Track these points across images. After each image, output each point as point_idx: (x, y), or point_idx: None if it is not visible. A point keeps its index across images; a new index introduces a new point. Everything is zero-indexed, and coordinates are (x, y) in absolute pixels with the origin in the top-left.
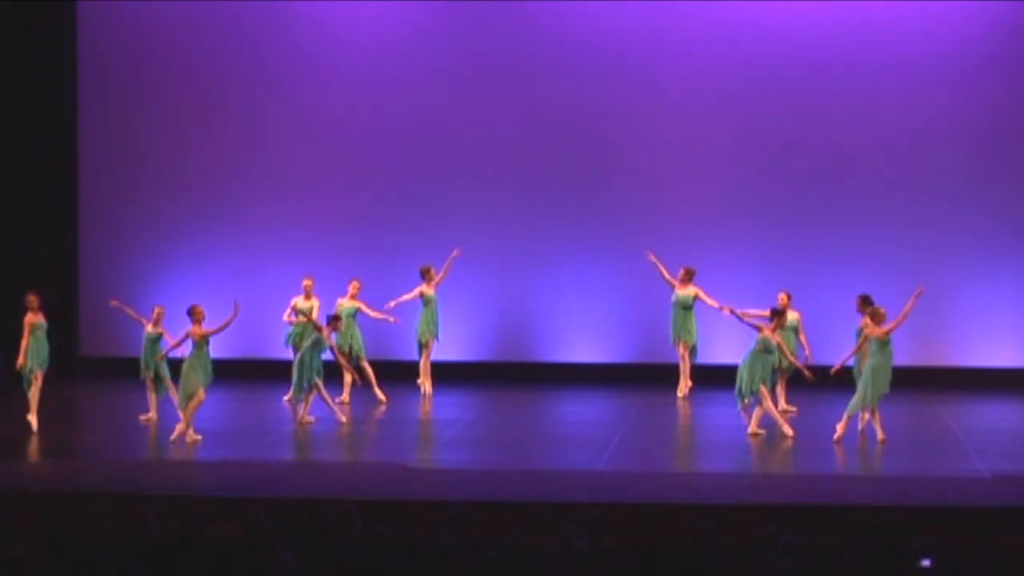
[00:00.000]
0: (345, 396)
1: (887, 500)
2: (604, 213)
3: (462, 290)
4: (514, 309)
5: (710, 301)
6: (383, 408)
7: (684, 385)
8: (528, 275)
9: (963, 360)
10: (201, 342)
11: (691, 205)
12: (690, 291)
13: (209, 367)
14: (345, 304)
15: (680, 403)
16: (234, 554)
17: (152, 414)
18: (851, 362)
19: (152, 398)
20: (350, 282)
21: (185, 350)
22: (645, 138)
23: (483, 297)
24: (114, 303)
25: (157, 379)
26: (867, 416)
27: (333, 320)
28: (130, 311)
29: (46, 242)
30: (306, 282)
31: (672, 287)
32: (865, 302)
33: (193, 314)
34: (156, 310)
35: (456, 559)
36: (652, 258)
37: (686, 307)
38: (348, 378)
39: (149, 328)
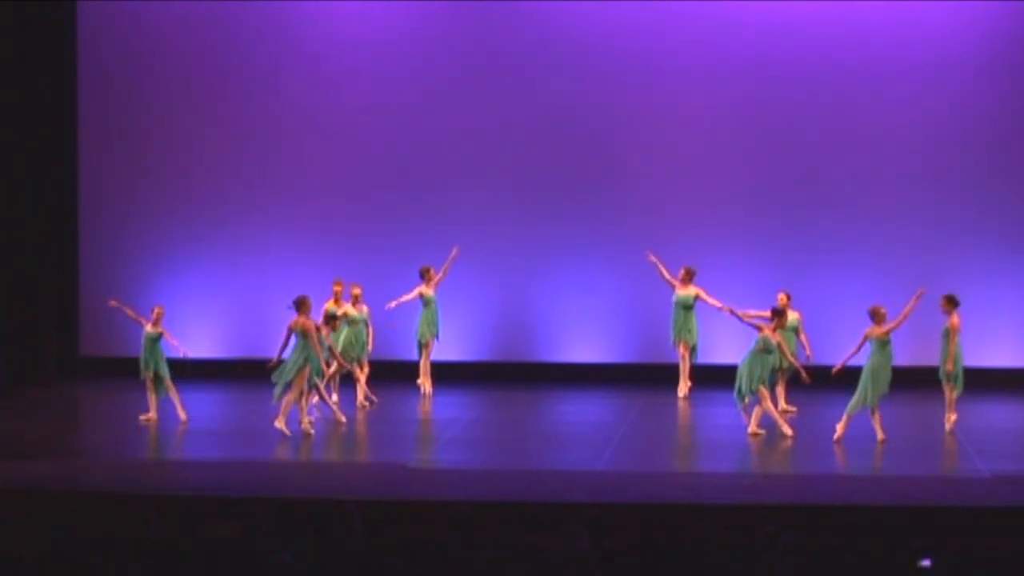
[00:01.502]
0: (360, 397)
1: (887, 500)
2: (604, 213)
3: (462, 290)
4: (514, 309)
5: (711, 301)
6: (380, 408)
7: (684, 385)
8: (528, 275)
9: (963, 360)
10: (308, 335)
11: (691, 205)
12: (690, 291)
13: (321, 359)
14: (352, 312)
15: (680, 403)
16: (234, 554)
17: (152, 414)
18: (852, 362)
19: (152, 398)
20: (352, 289)
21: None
22: (645, 138)
23: (483, 297)
24: (113, 303)
25: (157, 379)
26: (953, 417)
27: (331, 320)
28: (129, 311)
29: (46, 242)
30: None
31: (672, 287)
32: (951, 302)
33: (302, 306)
34: (156, 310)
35: (456, 559)
36: (652, 258)
37: (687, 307)
38: (360, 376)
39: (149, 328)
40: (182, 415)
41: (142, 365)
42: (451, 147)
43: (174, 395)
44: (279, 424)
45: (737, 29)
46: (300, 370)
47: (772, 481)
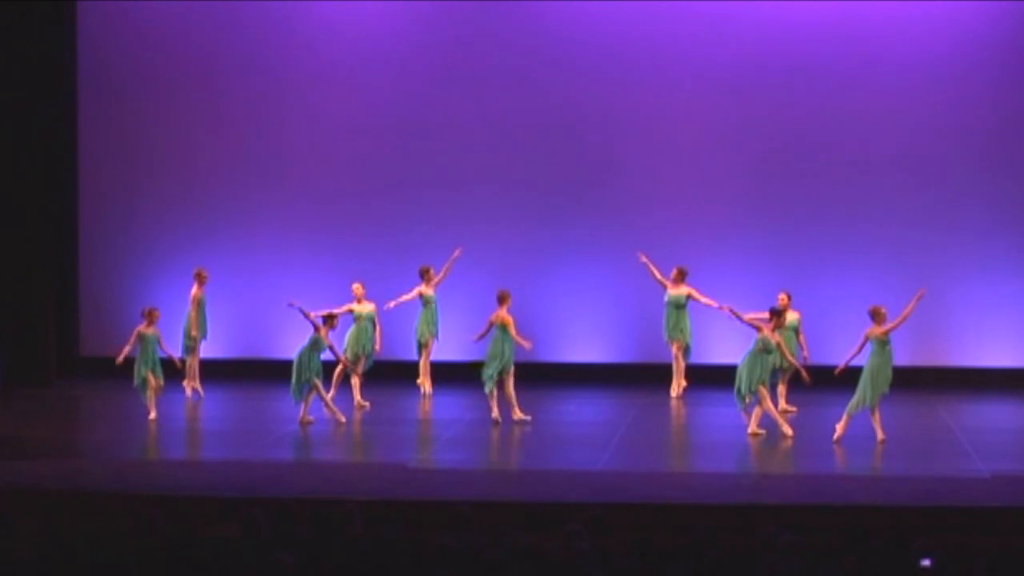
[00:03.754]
0: (358, 397)
1: (887, 500)
2: (604, 213)
3: (462, 290)
4: (514, 309)
5: (704, 300)
6: (380, 408)
7: (678, 384)
8: (528, 275)
9: (963, 360)
10: (508, 327)
11: (691, 205)
12: (682, 291)
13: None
14: (361, 310)
15: (679, 403)
16: (234, 554)
17: (154, 414)
18: (854, 362)
19: (152, 397)
20: (356, 287)
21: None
22: (644, 138)
23: (483, 297)
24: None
25: (147, 377)
26: None
27: (330, 319)
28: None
29: (46, 242)
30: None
31: (664, 287)
32: None
33: (504, 299)
34: (152, 311)
35: (456, 559)
36: (643, 259)
37: (679, 306)
38: (354, 380)
39: (147, 330)
40: (152, 413)
41: (139, 368)
42: (451, 147)
43: (153, 392)
44: (518, 415)
45: (737, 29)
46: (504, 361)
47: (772, 481)
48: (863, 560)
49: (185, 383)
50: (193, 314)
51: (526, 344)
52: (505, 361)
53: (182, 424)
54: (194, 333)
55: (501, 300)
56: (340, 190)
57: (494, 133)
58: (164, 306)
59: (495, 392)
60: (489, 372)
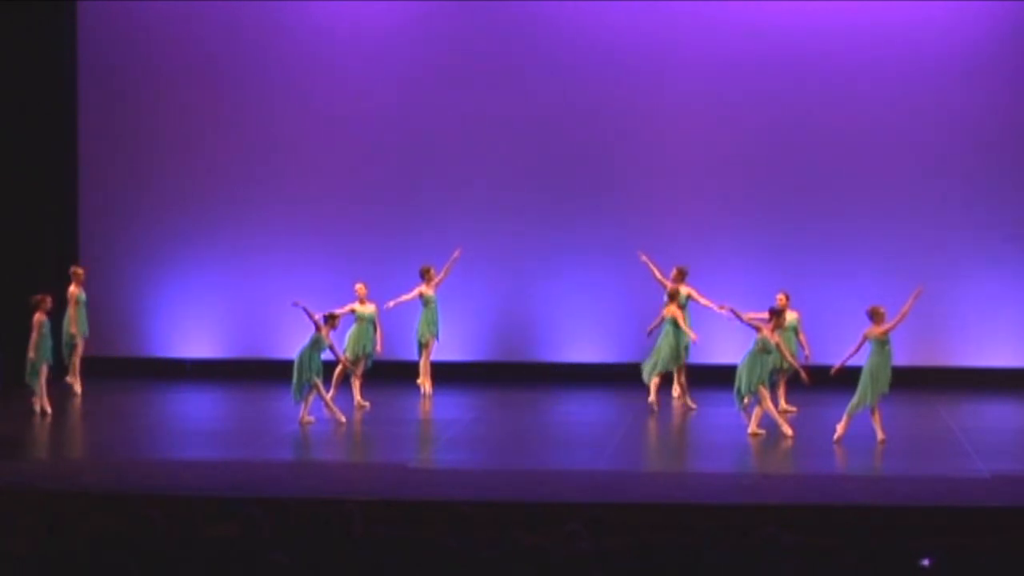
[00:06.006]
0: (358, 397)
1: (887, 500)
2: (604, 213)
3: (462, 290)
4: (514, 309)
5: (703, 301)
6: (380, 408)
7: (679, 385)
8: (528, 275)
9: (963, 360)
10: (677, 320)
11: (691, 205)
12: (682, 291)
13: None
14: (363, 311)
15: (678, 403)
16: (233, 554)
17: (49, 408)
18: (852, 362)
19: (44, 389)
20: (358, 287)
21: None
22: (644, 138)
23: (483, 297)
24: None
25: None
26: None
27: (330, 319)
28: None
29: (46, 242)
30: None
31: (664, 287)
32: None
33: (675, 295)
34: (45, 298)
35: (456, 559)
36: (643, 258)
37: (679, 307)
38: (354, 380)
39: (44, 317)
40: (37, 406)
41: (45, 354)
42: (452, 148)
43: (43, 383)
44: (690, 403)
45: (737, 30)
46: (674, 353)
47: (772, 481)
48: (863, 560)
49: (69, 379)
50: (72, 312)
51: (693, 335)
52: (676, 355)
53: (181, 424)
54: (73, 331)
55: (672, 296)
56: (341, 190)
57: (495, 134)
58: (164, 306)
59: (656, 382)
60: (652, 367)
